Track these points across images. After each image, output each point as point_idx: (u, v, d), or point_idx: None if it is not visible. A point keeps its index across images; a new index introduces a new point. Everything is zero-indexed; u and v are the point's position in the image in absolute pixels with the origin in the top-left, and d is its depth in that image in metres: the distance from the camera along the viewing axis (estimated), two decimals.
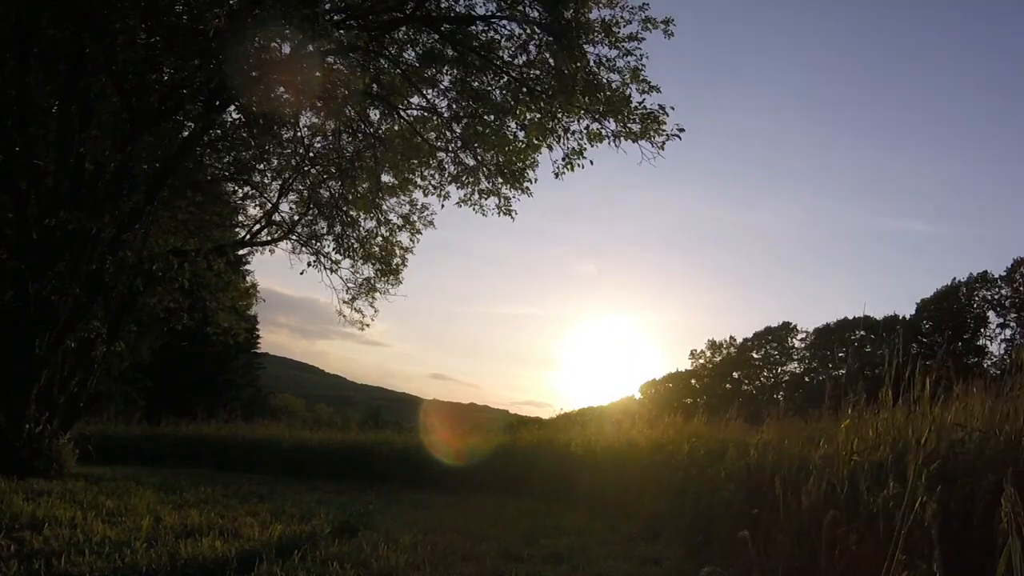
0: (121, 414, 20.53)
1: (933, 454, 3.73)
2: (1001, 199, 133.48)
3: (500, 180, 11.83)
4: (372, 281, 15.00)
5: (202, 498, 8.14)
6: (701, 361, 73.08)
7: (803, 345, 67.29)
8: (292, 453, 14.43)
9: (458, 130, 11.78)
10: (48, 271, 9.27)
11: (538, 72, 10.44)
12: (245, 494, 8.94)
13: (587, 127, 10.46)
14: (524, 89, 10.44)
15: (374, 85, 11.55)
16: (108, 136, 10.34)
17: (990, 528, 3.06)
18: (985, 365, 45.37)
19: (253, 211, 14.98)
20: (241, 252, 15.30)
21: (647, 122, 10.05)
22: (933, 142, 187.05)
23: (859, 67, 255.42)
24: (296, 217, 14.69)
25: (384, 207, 14.41)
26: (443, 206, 13.63)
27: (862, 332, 60.94)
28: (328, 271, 14.79)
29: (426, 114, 12.21)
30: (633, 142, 10.22)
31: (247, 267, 18.10)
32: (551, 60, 10.25)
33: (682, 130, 10.16)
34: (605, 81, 10.15)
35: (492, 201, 12.21)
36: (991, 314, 54.79)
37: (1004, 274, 54.21)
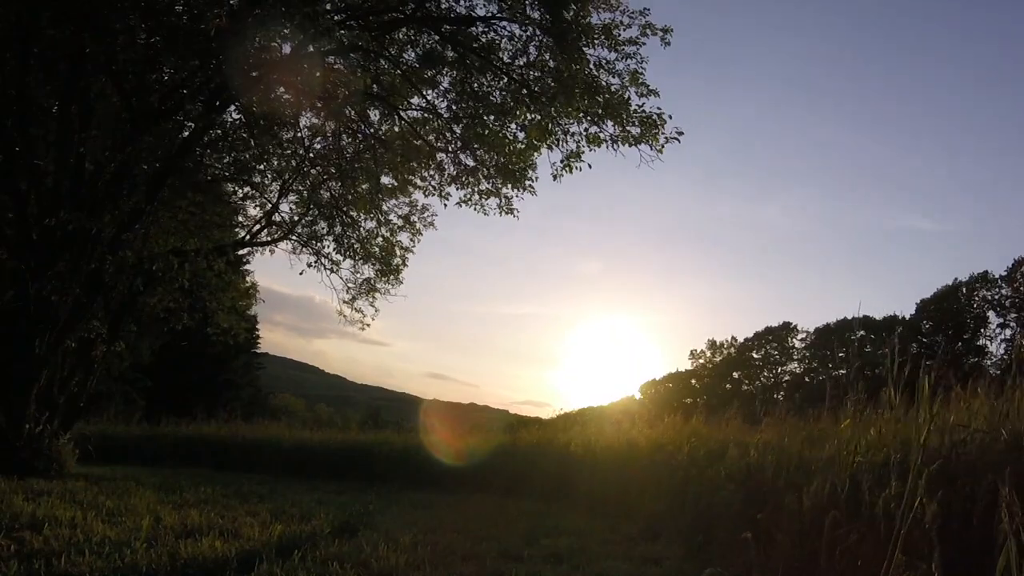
0: (121, 414, 20.52)
1: (934, 454, 3.74)
2: (1004, 197, 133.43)
3: (500, 180, 11.82)
4: (372, 281, 15.01)
5: (202, 498, 8.14)
6: (701, 361, 73.12)
7: (803, 345, 67.35)
8: (292, 453, 14.43)
9: (458, 131, 11.78)
10: (48, 271, 9.27)
11: (538, 74, 10.45)
12: (245, 494, 8.94)
13: (586, 130, 10.47)
14: (524, 91, 10.44)
15: (374, 86, 11.54)
16: (108, 136, 10.34)
17: (990, 528, 3.06)
18: (985, 365, 45.38)
19: (253, 211, 15.01)
20: (241, 252, 15.31)
21: (646, 126, 10.06)
22: (935, 137, 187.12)
23: (859, 61, 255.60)
24: (296, 217, 14.71)
25: (384, 208, 14.43)
26: (445, 206, 13.65)
27: (862, 332, 60.93)
28: (328, 271, 14.80)
29: (426, 115, 12.20)
30: (631, 146, 10.24)
31: (247, 267, 18.13)
32: (551, 62, 10.26)
33: (681, 133, 10.19)
34: (604, 84, 10.16)
35: (493, 201, 12.22)
36: (991, 314, 54.83)
37: (1004, 274, 54.27)
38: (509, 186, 11.78)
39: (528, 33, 10.29)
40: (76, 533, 5.29)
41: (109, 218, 9.75)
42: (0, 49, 9.30)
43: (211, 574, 4.45)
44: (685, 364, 74.01)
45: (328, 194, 14.25)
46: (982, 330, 55.19)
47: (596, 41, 10.06)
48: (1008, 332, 52.56)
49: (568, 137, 10.67)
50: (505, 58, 10.57)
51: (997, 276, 54.55)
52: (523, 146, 11.25)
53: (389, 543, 5.52)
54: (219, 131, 12.14)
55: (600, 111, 10.21)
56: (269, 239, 14.60)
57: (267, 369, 45.34)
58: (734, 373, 70.77)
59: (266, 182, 14.11)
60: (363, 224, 14.55)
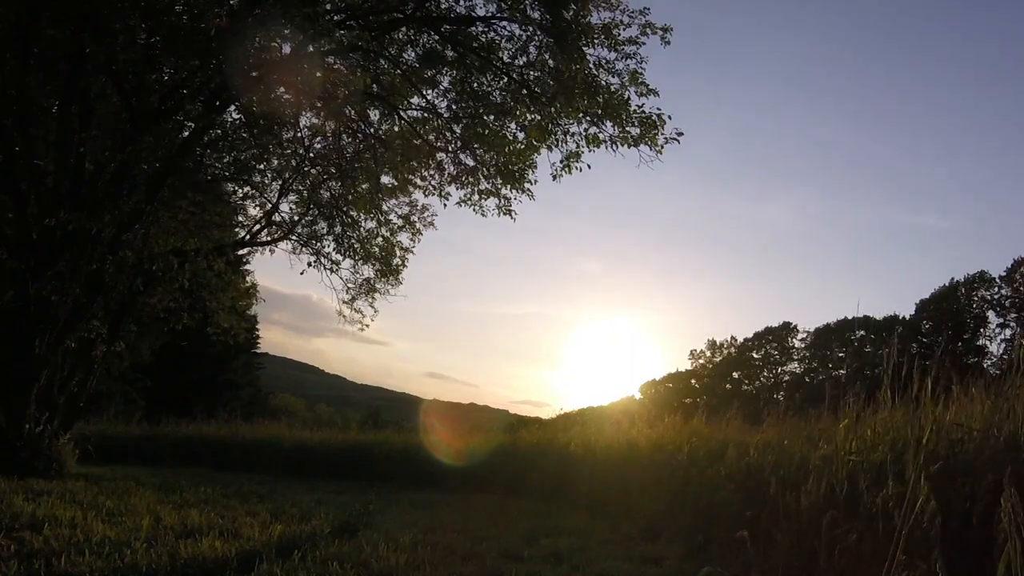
0: (121, 414, 20.54)
1: (933, 454, 3.74)
2: (1004, 197, 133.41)
3: (500, 181, 11.83)
4: (372, 281, 15.01)
5: (202, 498, 8.14)
6: (701, 361, 73.19)
7: (803, 345, 67.40)
8: (292, 453, 14.44)
9: (458, 131, 11.79)
10: (48, 271, 9.28)
11: (538, 73, 10.45)
12: (245, 494, 8.94)
13: (586, 130, 10.47)
14: (524, 90, 10.45)
15: (374, 85, 11.54)
16: (108, 136, 10.34)
17: (990, 528, 3.06)
18: (985, 365, 45.39)
19: (253, 211, 15.01)
20: (241, 252, 15.31)
21: (645, 126, 10.07)
22: (935, 137, 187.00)
23: (859, 61, 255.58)
24: (296, 217, 14.72)
25: (384, 207, 14.44)
26: (445, 206, 13.65)
27: (862, 332, 61.00)
28: (328, 271, 14.80)
29: (426, 115, 12.21)
30: (631, 147, 10.24)
31: (247, 267, 18.13)
32: (551, 62, 10.26)
33: (680, 134, 10.18)
34: (604, 84, 10.16)
35: (492, 202, 12.21)
36: (991, 314, 54.88)
37: (1004, 274, 54.31)
38: (508, 187, 11.79)
39: (528, 33, 10.30)
40: (76, 533, 5.29)
41: (109, 218, 9.76)
42: (0, 49, 9.30)
43: (211, 574, 4.45)
44: (685, 364, 74.17)
45: (328, 194, 14.25)
46: (982, 330, 55.28)
47: (596, 41, 10.06)
48: (1008, 332, 52.64)
49: (568, 137, 10.69)
50: (505, 58, 10.57)
51: (996, 276, 54.66)
52: (523, 146, 11.26)
53: (389, 543, 5.53)
54: (219, 131, 12.14)
55: (600, 111, 10.21)
56: (269, 239, 14.61)
57: (267, 369, 45.37)
58: (734, 373, 70.83)
59: (266, 182, 14.14)
60: (363, 224, 14.57)
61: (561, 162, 10.82)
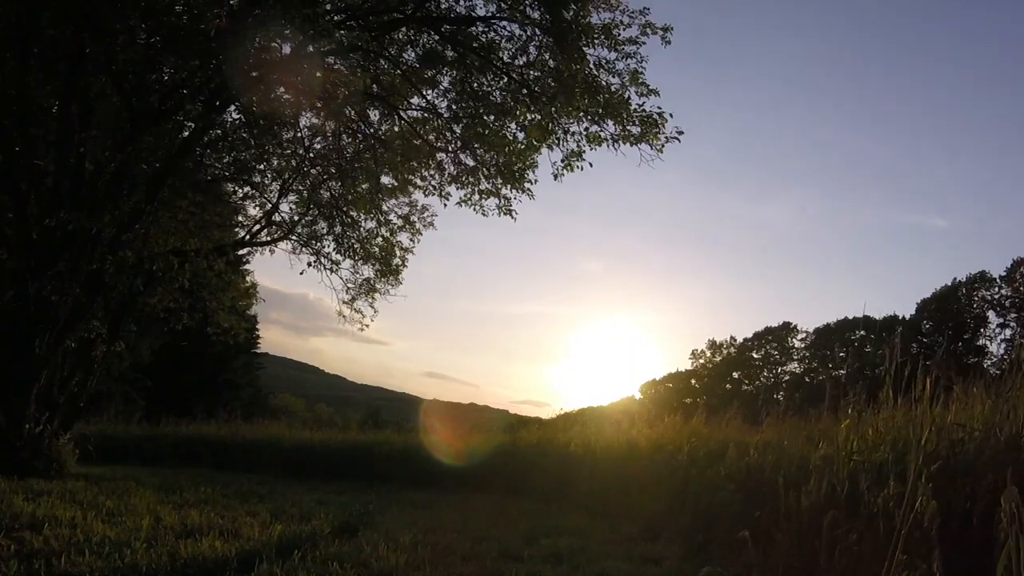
0: (121, 414, 20.53)
1: (933, 454, 3.74)
2: (1004, 196, 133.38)
3: (500, 181, 11.83)
4: (372, 281, 15.01)
5: (202, 498, 8.14)
6: (701, 361, 73.18)
7: (803, 345, 67.40)
8: (292, 453, 14.43)
9: (458, 131, 11.79)
10: (48, 271, 9.27)
11: (538, 73, 10.45)
12: (245, 494, 8.94)
13: (586, 129, 10.48)
14: (524, 90, 10.45)
15: (374, 86, 11.54)
16: (108, 136, 10.34)
17: (990, 528, 3.06)
18: (985, 365, 45.38)
19: (253, 211, 15.01)
20: (241, 252, 15.31)
21: (646, 125, 10.07)
22: (935, 137, 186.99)
23: (859, 61, 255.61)
24: (296, 217, 14.71)
25: (384, 208, 14.44)
26: (445, 206, 13.65)
27: (862, 332, 60.99)
28: (328, 271, 14.80)
29: (426, 115, 12.21)
30: (632, 145, 10.24)
31: (247, 267, 18.14)
32: (551, 62, 10.26)
33: (681, 132, 10.19)
34: (604, 83, 10.17)
35: (492, 201, 12.21)
36: (991, 314, 54.88)
37: (1004, 274, 54.32)
38: (509, 187, 11.79)
39: (528, 33, 10.30)
40: (76, 533, 5.29)
41: (109, 218, 9.75)
42: (0, 49, 9.30)
43: (211, 574, 4.45)
44: (685, 364, 74.15)
45: (328, 194, 14.25)
46: (982, 330, 55.28)
47: (596, 41, 10.06)
48: (1008, 332, 52.64)
49: (568, 137, 10.69)
50: (505, 58, 10.57)
51: (996, 276, 54.66)
52: (523, 146, 11.26)
53: (389, 543, 5.53)
54: (219, 131, 12.14)
55: (600, 111, 10.21)
56: (269, 239, 14.61)
57: (267, 369, 45.37)
58: (734, 373, 70.82)
59: (266, 182, 14.13)
60: (363, 224, 14.57)
61: (562, 161, 10.84)
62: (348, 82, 10.53)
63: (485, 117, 11.19)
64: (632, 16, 10.13)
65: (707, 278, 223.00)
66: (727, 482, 5.98)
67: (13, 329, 9.22)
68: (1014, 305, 53.06)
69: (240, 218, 15.11)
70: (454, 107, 11.60)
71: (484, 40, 10.56)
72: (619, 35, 10.12)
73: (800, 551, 4.34)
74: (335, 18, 9.91)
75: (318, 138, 13.57)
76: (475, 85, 11.06)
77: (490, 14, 10.35)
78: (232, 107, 10.96)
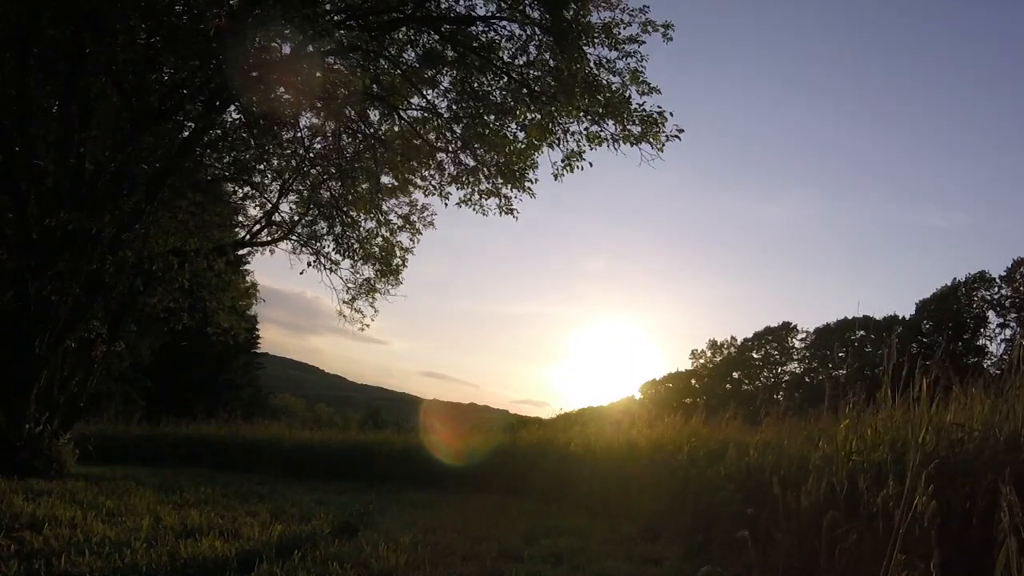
0: (121, 414, 20.53)
1: (932, 454, 3.74)
2: (1004, 196, 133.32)
3: (501, 180, 11.82)
4: (372, 281, 15.01)
5: (202, 498, 8.14)
6: (701, 361, 73.17)
7: (803, 345, 67.40)
8: (292, 453, 14.43)
9: (458, 131, 11.78)
10: (48, 271, 9.27)
11: (538, 73, 10.45)
12: (245, 494, 8.94)
13: (586, 129, 10.47)
14: (524, 90, 10.45)
15: (374, 86, 11.54)
16: (108, 136, 10.34)
17: (990, 528, 3.07)
18: (985, 365, 45.38)
19: (253, 211, 15.01)
20: (241, 252, 15.30)
21: (647, 124, 10.06)
22: (936, 137, 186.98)
23: (859, 61, 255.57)
24: (296, 217, 14.71)
25: (384, 208, 14.43)
26: (445, 206, 13.65)
27: (862, 332, 61.01)
28: (328, 271, 14.80)
29: (426, 115, 12.20)
30: (632, 145, 10.23)
31: (247, 267, 18.13)
32: (551, 61, 10.26)
33: (681, 131, 10.17)
34: (605, 82, 10.16)
35: (493, 201, 12.21)
36: (991, 314, 54.88)
37: (1004, 274, 54.31)
38: (509, 186, 11.79)
39: (528, 32, 10.29)
40: (76, 533, 5.29)
41: (109, 218, 9.75)
42: (0, 49, 9.30)
43: (211, 574, 4.45)
44: (685, 364, 74.14)
45: (328, 194, 14.25)
46: (982, 330, 55.29)
47: (596, 40, 10.06)
48: (1008, 332, 52.64)
49: (568, 136, 10.69)
50: (505, 57, 10.57)
51: (996, 276, 54.67)
52: (524, 145, 11.25)
53: (389, 543, 5.53)
54: (219, 131, 12.14)
55: (601, 110, 10.21)
56: (269, 239, 14.61)
57: (267, 369, 45.36)
58: (734, 373, 70.81)
59: (266, 182, 14.13)
60: (363, 224, 14.57)
61: (562, 161, 10.84)
62: (348, 82, 10.53)
63: (485, 117, 11.19)
64: (632, 14, 10.15)
65: (707, 278, 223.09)
66: (727, 482, 5.98)
67: (13, 329, 9.23)
68: (1014, 305, 53.07)
69: (240, 218, 15.14)
70: (454, 107, 11.61)
71: (484, 40, 10.56)
72: (619, 34, 10.12)
73: (800, 551, 4.34)
74: (335, 18, 9.91)
75: (318, 138, 13.59)
76: (475, 85, 11.06)
77: (490, 14, 10.35)
78: (232, 107, 10.97)
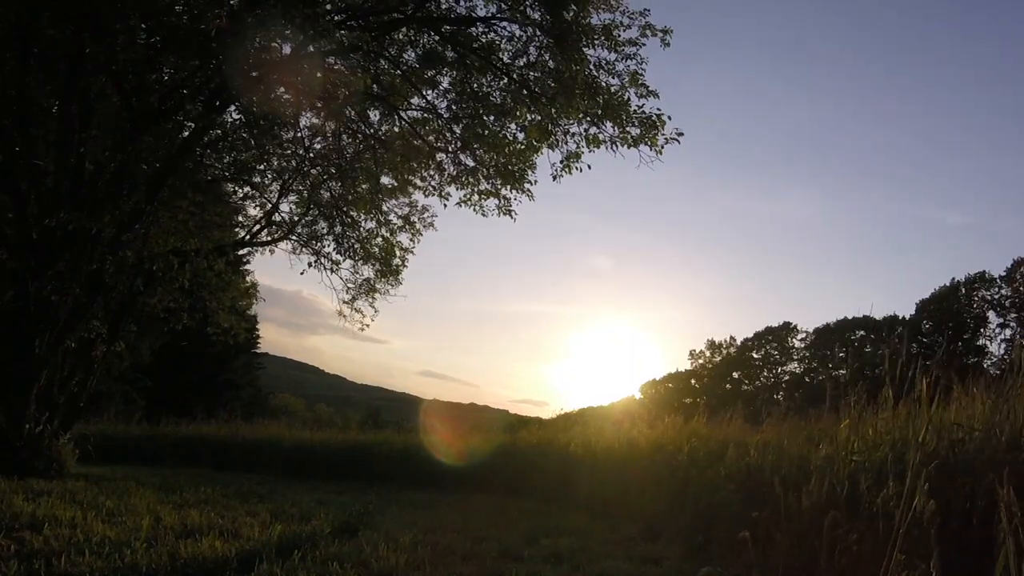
0: (121, 414, 20.53)
1: (933, 454, 3.74)
2: (1003, 196, 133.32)
3: (500, 181, 11.83)
4: (372, 281, 15.02)
5: (202, 498, 8.14)
6: (701, 361, 73.09)
7: (803, 345, 67.34)
8: (292, 453, 14.43)
9: (458, 131, 11.78)
10: (48, 271, 9.27)
11: (538, 74, 10.44)
12: (245, 494, 8.94)
13: (586, 131, 10.47)
14: (524, 91, 10.44)
15: (374, 86, 11.54)
16: (108, 136, 10.34)
17: (990, 528, 3.07)
18: (985, 365, 45.37)
19: (253, 211, 15.02)
20: (241, 252, 15.31)
21: (645, 127, 10.06)
22: (936, 137, 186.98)
23: (859, 61, 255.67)
24: (296, 217, 14.72)
25: (384, 208, 14.45)
26: (445, 206, 13.65)
27: (862, 332, 60.97)
28: (328, 271, 14.82)
29: (426, 115, 12.21)
30: (630, 147, 10.24)
31: (247, 267, 18.14)
32: (551, 62, 10.26)
33: (681, 134, 10.18)
34: (604, 84, 10.16)
35: (492, 202, 12.21)
36: (991, 314, 54.85)
37: (1004, 274, 54.30)
38: (508, 187, 11.79)
39: (528, 33, 10.30)
40: (76, 533, 5.29)
41: (109, 218, 9.75)
42: (0, 49, 9.30)
43: (211, 574, 4.45)
44: (685, 364, 74.05)
45: (328, 194, 14.26)
46: (982, 330, 55.24)
47: (596, 42, 10.06)
48: (1008, 332, 52.62)
49: (568, 138, 10.69)
50: (505, 58, 10.57)
51: (996, 276, 54.65)
52: (523, 146, 11.26)
53: (389, 543, 5.53)
54: (219, 131, 12.14)
55: (600, 112, 10.21)
56: (269, 239, 14.62)
57: (267, 369, 45.34)
58: (734, 373, 70.74)
59: (266, 182, 14.15)
60: (363, 224, 14.58)
61: (561, 162, 10.83)
62: (348, 82, 10.53)
63: (485, 118, 11.19)
64: (632, 17, 10.14)
65: (707, 278, 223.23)
66: (727, 482, 5.98)
67: (13, 329, 9.22)
68: (1014, 305, 53.04)
69: (240, 218, 15.14)
70: (454, 107, 11.61)
71: (484, 41, 10.57)
72: (619, 36, 10.12)
73: (800, 551, 4.34)
74: (335, 18, 9.91)
75: (318, 138, 13.60)
76: (475, 86, 11.06)
77: (490, 15, 10.35)
78: (232, 107, 10.97)
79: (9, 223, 9.52)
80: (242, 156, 13.12)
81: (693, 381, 71.83)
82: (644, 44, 10.18)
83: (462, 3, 10.39)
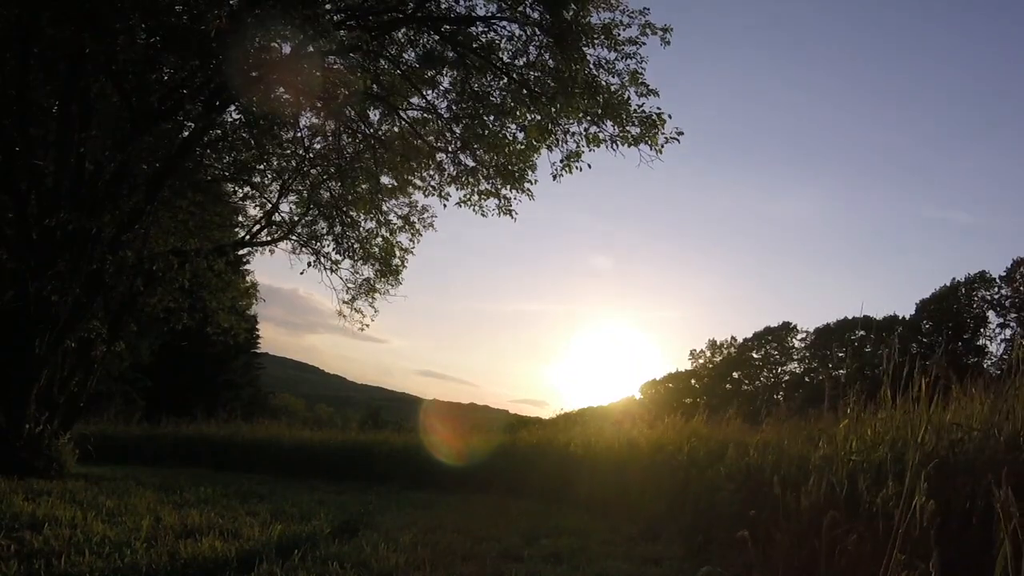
0: (121, 414, 20.54)
1: (932, 454, 3.74)
2: (1003, 196, 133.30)
3: (500, 181, 11.83)
4: (372, 281, 15.02)
5: (202, 498, 8.14)
6: (701, 361, 73.12)
7: (803, 345, 67.35)
8: (292, 453, 14.43)
9: (458, 131, 11.78)
10: (48, 271, 9.27)
11: (538, 74, 10.44)
12: (245, 494, 8.94)
13: (586, 130, 10.46)
14: (524, 90, 10.44)
15: (374, 86, 11.54)
16: (108, 136, 10.34)
17: (989, 528, 3.07)
18: (985, 365, 45.38)
19: (253, 211, 15.03)
20: (241, 252, 15.31)
21: (645, 126, 10.06)
22: (936, 137, 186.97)
23: (859, 61, 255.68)
24: (296, 217, 14.72)
25: (384, 208, 14.45)
26: (444, 206, 13.65)
27: (862, 332, 60.96)
28: (328, 271, 14.82)
29: (426, 115, 12.20)
30: (631, 147, 10.23)
31: (247, 267, 18.15)
32: (551, 62, 10.25)
33: (681, 133, 10.18)
34: (604, 84, 10.16)
35: (492, 202, 12.21)
36: (991, 314, 54.86)
37: (1004, 274, 54.30)
38: (508, 187, 11.79)
39: (528, 33, 10.29)
40: (76, 533, 5.28)
41: (109, 218, 9.75)
42: (0, 49, 9.30)
43: (211, 574, 4.45)
44: (685, 364, 74.08)
45: (328, 194, 14.26)
46: (982, 330, 55.25)
47: (596, 41, 10.05)
48: (1008, 332, 52.62)
49: (568, 137, 10.68)
50: (505, 58, 10.56)
51: (996, 276, 54.65)
52: (523, 146, 11.25)
53: (389, 543, 5.53)
54: (219, 131, 12.14)
55: (600, 111, 10.20)
56: (269, 239, 14.61)
57: (267, 369, 45.37)
58: (734, 373, 70.76)
59: (266, 182, 14.14)
60: (363, 224, 14.59)
61: (561, 162, 10.82)
62: (348, 82, 10.54)
63: (485, 117, 11.19)
64: (632, 16, 10.14)
65: (707, 278, 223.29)
66: (727, 482, 5.98)
67: (13, 329, 9.22)
68: (1014, 305, 53.04)
69: (240, 218, 15.16)
70: (454, 107, 11.60)
71: (484, 40, 10.56)
72: (619, 35, 10.11)
73: (800, 551, 4.34)
74: (335, 18, 9.91)
75: (318, 138, 13.60)
76: (475, 85, 11.06)
77: (490, 14, 10.35)
78: (232, 107, 10.98)
79: (9, 223, 9.52)
80: (242, 156, 13.12)
81: (693, 381, 71.85)
82: (644, 43, 10.19)
83: (462, 3, 10.40)
